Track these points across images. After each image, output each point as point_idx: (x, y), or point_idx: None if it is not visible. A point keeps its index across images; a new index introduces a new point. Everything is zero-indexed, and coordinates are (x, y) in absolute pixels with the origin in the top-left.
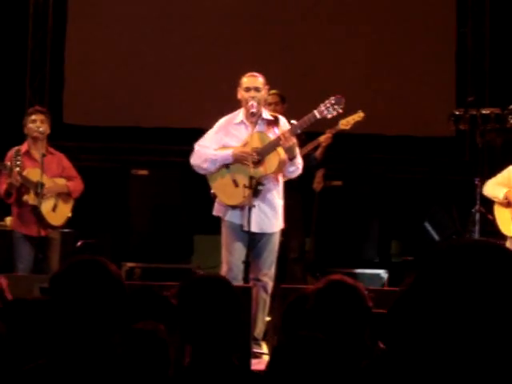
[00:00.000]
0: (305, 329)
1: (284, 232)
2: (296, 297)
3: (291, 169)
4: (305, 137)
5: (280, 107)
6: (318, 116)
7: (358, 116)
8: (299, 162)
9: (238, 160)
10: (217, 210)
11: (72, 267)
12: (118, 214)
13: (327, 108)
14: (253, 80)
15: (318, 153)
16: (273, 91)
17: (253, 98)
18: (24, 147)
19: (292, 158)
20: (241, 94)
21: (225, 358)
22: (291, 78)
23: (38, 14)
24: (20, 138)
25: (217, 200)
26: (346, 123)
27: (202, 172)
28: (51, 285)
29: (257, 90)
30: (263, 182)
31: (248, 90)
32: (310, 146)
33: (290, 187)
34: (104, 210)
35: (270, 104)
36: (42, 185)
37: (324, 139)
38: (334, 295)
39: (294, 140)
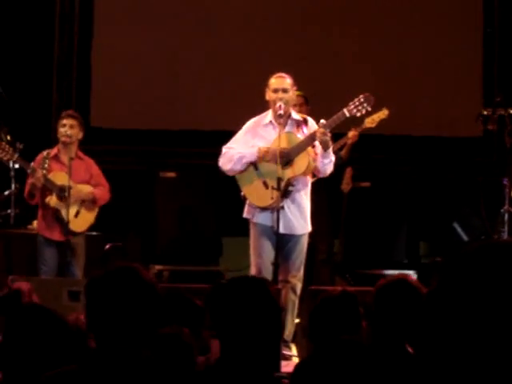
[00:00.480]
0: (332, 330)
1: (311, 234)
2: (322, 299)
3: (326, 160)
4: (331, 136)
5: (304, 108)
6: (348, 114)
7: (383, 113)
8: (332, 155)
9: (263, 156)
10: (247, 212)
11: (108, 274)
12: (146, 217)
13: (356, 106)
14: (281, 81)
15: (344, 152)
16: (297, 92)
17: (281, 99)
18: (54, 151)
19: (326, 149)
20: (269, 95)
21: (256, 361)
22: (316, 78)
23: (64, 18)
24: (47, 143)
25: (247, 202)
26: (371, 121)
27: (230, 173)
28: (87, 290)
29: (285, 91)
30: (293, 183)
31: (276, 91)
32: (336, 146)
33: (317, 188)
34: (132, 212)
35: (294, 105)
36: (67, 188)
37: (351, 137)
38: (395, 294)
39: (328, 134)
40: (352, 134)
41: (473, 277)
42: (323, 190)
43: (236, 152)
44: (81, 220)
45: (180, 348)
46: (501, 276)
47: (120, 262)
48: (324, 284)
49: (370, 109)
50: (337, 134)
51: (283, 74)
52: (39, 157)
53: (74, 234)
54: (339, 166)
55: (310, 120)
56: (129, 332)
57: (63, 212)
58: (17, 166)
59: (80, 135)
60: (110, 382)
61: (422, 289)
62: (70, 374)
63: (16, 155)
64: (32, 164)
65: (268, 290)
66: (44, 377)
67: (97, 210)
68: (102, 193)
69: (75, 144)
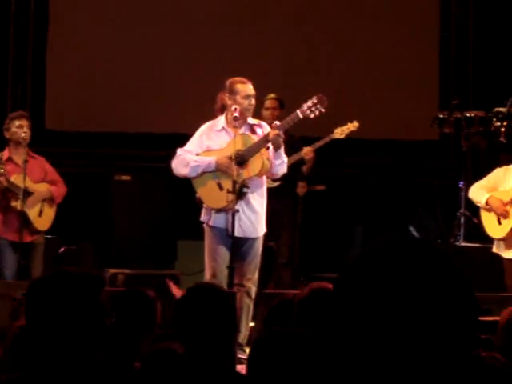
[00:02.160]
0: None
1: (274, 237)
2: (278, 302)
3: (278, 161)
4: (301, 143)
5: (278, 112)
6: (301, 116)
7: (353, 126)
8: (284, 156)
9: (221, 169)
10: (203, 215)
11: (48, 278)
12: (101, 220)
13: (310, 108)
14: (249, 87)
15: (306, 168)
16: (271, 95)
17: (252, 105)
18: (6, 153)
19: (277, 149)
20: (237, 101)
21: (217, 363)
22: (278, 83)
23: (18, 20)
24: (1, 144)
25: (204, 205)
26: (340, 132)
27: (181, 176)
28: (26, 296)
29: (254, 97)
30: (247, 184)
31: (248, 97)
32: (290, 161)
33: (280, 192)
34: (87, 215)
35: (267, 109)
36: (27, 191)
37: (306, 152)
38: (316, 303)
39: (282, 136)
40: (307, 149)
41: (369, 272)
42: (286, 193)
43: (192, 159)
44: (44, 218)
45: (174, 359)
46: (396, 270)
47: (67, 266)
48: (285, 287)
49: (323, 110)
50: (310, 138)
51: (246, 80)
52: None
53: (40, 232)
54: (299, 178)
55: (265, 124)
56: (68, 337)
57: (29, 213)
58: None
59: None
60: None
61: None
62: (17, 381)
63: None
64: None
65: (225, 296)
66: None
67: (55, 206)
68: (59, 189)
69: (26, 144)
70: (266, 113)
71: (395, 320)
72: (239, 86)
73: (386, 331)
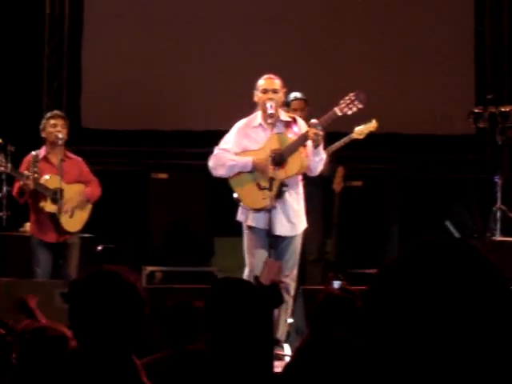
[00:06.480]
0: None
1: (303, 234)
2: (324, 298)
3: (317, 158)
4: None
5: (305, 112)
6: (339, 113)
7: (373, 126)
8: (323, 153)
9: (258, 169)
10: (240, 215)
11: (90, 277)
12: (138, 218)
13: (347, 105)
14: (270, 82)
15: (336, 184)
16: (297, 96)
17: (271, 99)
18: (42, 152)
19: (316, 146)
20: (258, 97)
21: (248, 360)
22: (308, 79)
23: (54, 19)
24: (37, 145)
25: (240, 204)
26: (360, 132)
27: (217, 176)
28: (70, 292)
29: (274, 91)
30: (286, 183)
31: (265, 91)
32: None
33: (311, 188)
34: (124, 213)
35: (295, 110)
36: (61, 191)
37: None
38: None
39: (321, 133)
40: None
41: (405, 274)
42: (317, 190)
43: (229, 158)
44: (76, 219)
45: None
46: (431, 271)
47: (105, 265)
48: (315, 284)
49: (361, 106)
50: (336, 134)
51: (272, 76)
52: (27, 158)
53: (71, 233)
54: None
55: (300, 120)
56: (111, 335)
57: (58, 215)
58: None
59: (67, 135)
60: None
61: None
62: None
63: (9, 166)
64: (26, 172)
65: (257, 293)
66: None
67: (90, 206)
68: (93, 190)
69: (63, 144)
70: (293, 114)
71: (432, 321)
72: (260, 82)
73: (424, 332)
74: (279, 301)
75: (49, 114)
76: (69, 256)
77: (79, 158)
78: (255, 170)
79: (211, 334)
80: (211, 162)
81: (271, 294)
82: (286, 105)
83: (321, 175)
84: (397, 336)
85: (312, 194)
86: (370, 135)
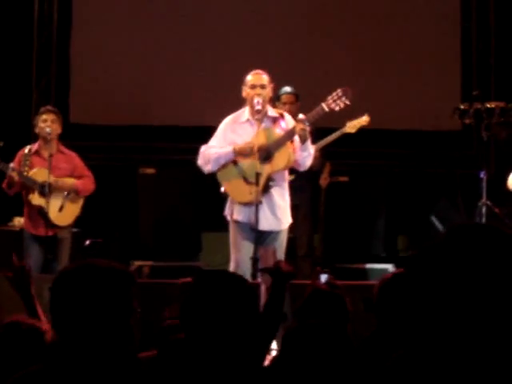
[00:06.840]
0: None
1: (292, 229)
2: (310, 292)
3: (305, 153)
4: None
5: (295, 106)
6: (326, 109)
7: (365, 121)
8: (311, 148)
9: (240, 153)
10: (227, 209)
11: (69, 272)
12: (126, 213)
13: (334, 101)
14: (258, 78)
15: (323, 180)
16: (287, 90)
17: (259, 95)
18: (35, 147)
19: (304, 142)
20: (246, 92)
21: (237, 355)
22: (295, 75)
23: (42, 15)
24: (27, 140)
25: (229, 199)
26: (352, 126)
27: (208, 172)
28: (51, 288)
29: (262, 87)
30: (273, 178)
31: (253, 87)
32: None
33: (301, 183)
34: (112, 208)
35: (284, 104)
36: (49, 185)
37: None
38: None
39: (308, 128)
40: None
41: (447, 255)
42: (305, 185)
43: (213, 152)
44: (65, 213)
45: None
46: (468, 255)
47: (93, 259)
48: (304, 278)
49: (348, 102)
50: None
51: (260, 71)
52: (20, 153)
53: (59, 227)
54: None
55: (287, 115)
56: (92, 328)
57: (47, 208)
58: None
59: (59, 130)
60: (80, 380)
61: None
62: (38, 373)
63: None
64: (11, 164)
65: (246, 285)
66: (12, 379)
67: (82, 201)
68: (85, 183)
69: (55, 139)
70: (283, 108)
71: (468, 302)
72: (248, 77)
73: (460, 313)
74: (292, 275)
75: (41, 110)
76: (60, 251)
77: (73, 153)
78: (239, 155)
79: (189, 331)
80: (199, 161)
81: (281, 272)
82: (277, 98)
83: (311, 169)
84: (436, 309)
85: (302, 188)
86: (358, 131)
